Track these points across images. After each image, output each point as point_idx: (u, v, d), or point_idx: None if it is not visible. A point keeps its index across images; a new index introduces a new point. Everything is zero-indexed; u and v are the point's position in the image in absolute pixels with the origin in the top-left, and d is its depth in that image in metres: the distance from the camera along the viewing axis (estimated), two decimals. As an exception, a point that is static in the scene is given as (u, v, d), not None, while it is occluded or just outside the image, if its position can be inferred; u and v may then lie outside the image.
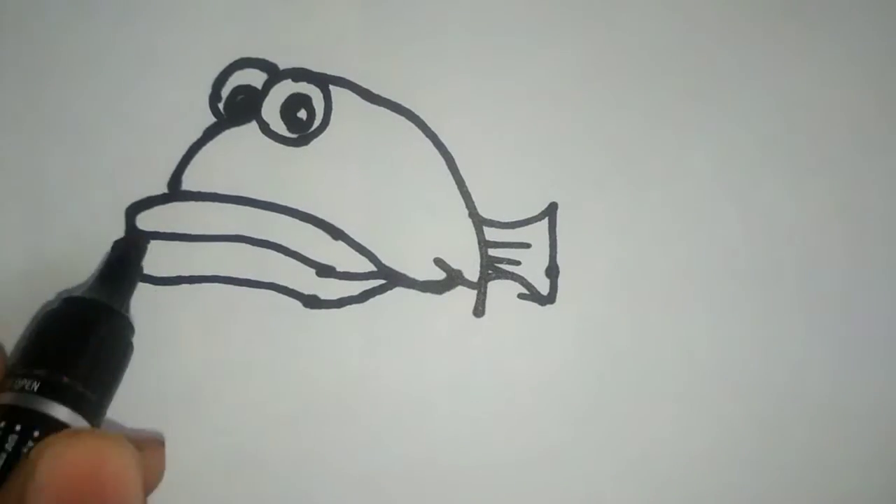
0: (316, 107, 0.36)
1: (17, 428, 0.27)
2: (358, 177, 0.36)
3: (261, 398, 0.36)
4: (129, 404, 0.36)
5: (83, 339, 0.30)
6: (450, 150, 0.36)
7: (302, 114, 0.36)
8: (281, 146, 0.36)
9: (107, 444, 0.26)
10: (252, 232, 0.35)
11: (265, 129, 0.36)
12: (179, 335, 0.35)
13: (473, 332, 0.36)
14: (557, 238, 0.37)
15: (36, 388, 0.28)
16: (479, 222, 0.36)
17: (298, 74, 0.36)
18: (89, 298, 0.32)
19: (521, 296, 0.37)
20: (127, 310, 0.33)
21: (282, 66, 0.36)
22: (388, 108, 0.36)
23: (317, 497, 0.36)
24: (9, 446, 0.27)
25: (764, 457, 0.38)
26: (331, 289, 0.36)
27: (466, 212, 0.36)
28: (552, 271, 0.37)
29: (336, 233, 0.36)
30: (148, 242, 0.35)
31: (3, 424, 0.27)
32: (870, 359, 0.38)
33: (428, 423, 0.36)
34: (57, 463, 0.25)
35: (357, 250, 0.36)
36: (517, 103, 0.36)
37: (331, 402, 0.36)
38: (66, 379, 0.29)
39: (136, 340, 0.35)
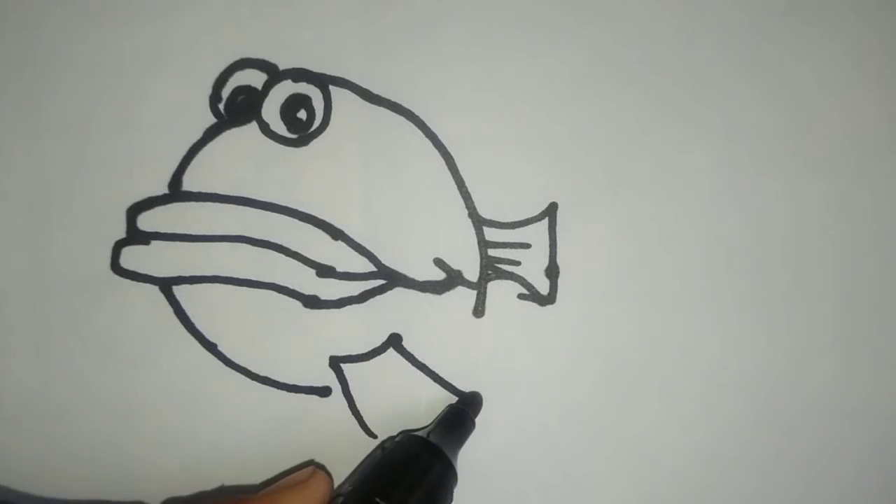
0: (316, 107, 0.36)
1: None
2: (358, 177, 0.36)
3: (261, 398, 0.36)
4: (130, 404, 0.36)
5: (418, 479, 0.31)
6: (450, 150, 0.36)
7: (302, 114, 0.36)
8: (281, 146, 0.36)
9: None
10: (252, 232, 0.36)
11: (265, 129, 0.36)
12: (179, 335, 0.36)
13: (473, 332, 0.36)
14: (557, 238, 0.37)
15: None
16: (479, 222, 0.36)
17: (298, 74, 0.36)
18: (432, 443, 0.33)
19: (521, 296, 0.37)
20: (456, 459, 0.33)
21: (282, 67, 0.36)
22: (388, 108, 0.36)
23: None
24: None
25: (764, 456, 0.38)
26: (331, 289, 0.36)
27: (466, 212, 0.36)
28: (552, 271, 0.37)
29: (336, 233, 0.36)
30: (481, 399, 0.36)
31: None
32: (870, 358, 0.38)
33: (428, 422, 0.37)
34: None
35: (357, 250, 0.36)
36: (517, 104, 0.36)
37: (331, 402, 0.36)
38: None
39: (137, 339, 0.36)
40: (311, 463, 0.36)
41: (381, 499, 0.30)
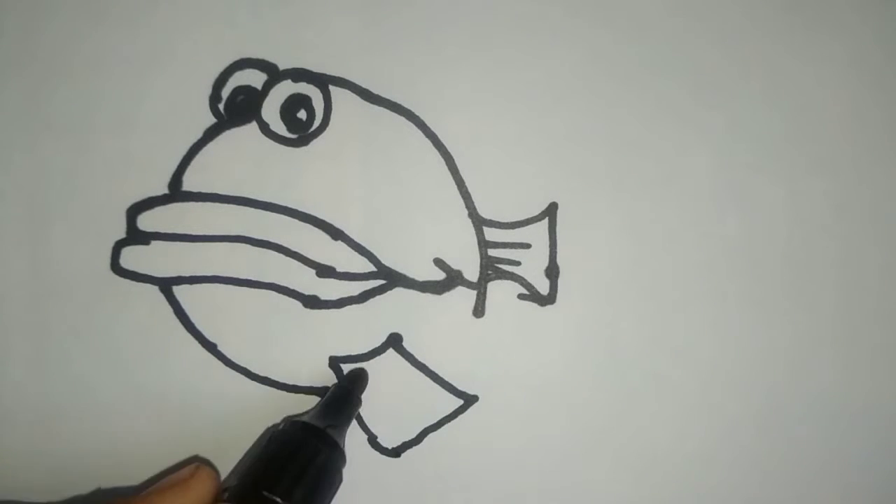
0: (316, 107, 0.36)
1: None
2: (358, 177, 0.36)
3: (261, 398, 0.36)
4: (130, 404, 0.36)
5: (302, 465, 0.31)
6: (450, 150, 0.36)
7: (302, 114, 0.36)
8: (281, 146, 0.36)
9: None
10: (252, 232, 0.36)
11: (265, 129, 0.36)
12: (179, 335, 0.36)
13: (473, 332, 0.36)
14: (557, 238, 0.37)
15: None
16: (479, 222, 0.36)
17: (298, 74, 0.36)
18: (314, 426, 0.32)
19: (521, 296, 0.37)
20: (343, 439, 0.33)
21: (282, 67, 0.36)
22: (388, 108, 0.36)
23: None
24: None
25: (764, 456, 0.38)
26: (331, 289, 0.36)
27: (466, 212, 0.36)
28: (552, 271, 0.37)
29: (336, 233, 0.36)
30: (367, 376, 0.36)
31: None
32: (869, 358, 0.38)
33: (427, 422, 0.37)
34: None
35: (357, 250, 0.36)
36: (517, 103, 0.36)
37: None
38: (279, 501, 0.29)
39: (137, 339, 0.36)
40: (195, 459, 0.35)
41: (268, 491, 0.29)
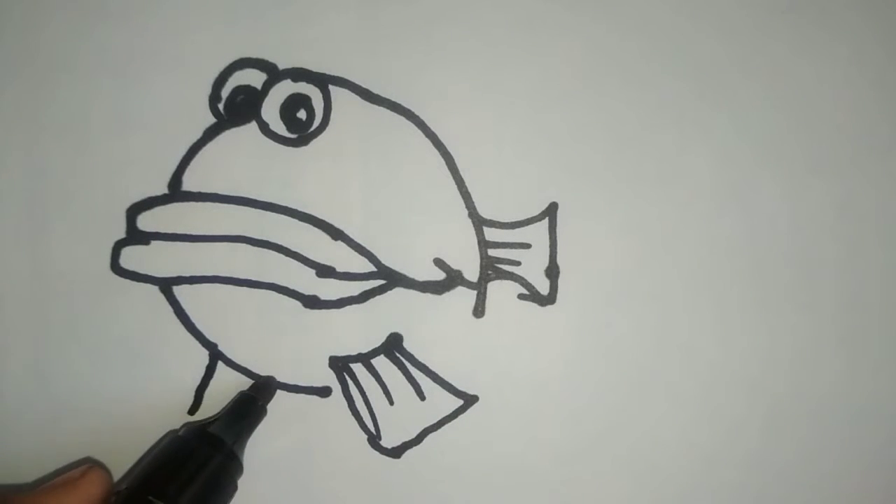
0: (316, 107, 0.36)
1: None
2: (358, 177, 0.36)
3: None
4: (129, 404, 0.36)
5: (193, 472, 0.30)
6: (450, 150, 0.36)
7: (302, 114, 0.36)
8: (281, 146, 0.36)
9: None
10: (252, 232, 0.36)
11: (265, 129, 0.36)
12: (179, 335, 0.36)
13: (473, 332, 0.36)
14: (557, 238, 0.37)
15: None
16: (479, 222, 0.36)
17: (298, 74, 0.36)
18: (210, 433, 0.32)
19: (521, 296, 0.37)
20: (242, 449, 0.33)
21: (281, 66, 0.36)
22: (388, 108, 0.36)
23: (316, 494, 0.36)
24: None
25: (764, 456, 0.38)
26: (331, 289, 0.36)
27: (466, 212, 0.36)
28: (552, 271, 0.37)
29: (336, 233, 0.36)
30: (276, 384, 0.36)
31: None
32: (872, 358, 0.38)
33: (427, 422, 0.37)
34: None
35: (357, 250, 0.36)
36: (517, 103, 0.36)
37: (331, 402, 0.36)
38: None
39: (137, 339, 0.36)
40: (87, 461, 0.35)
41: (156, 497, 0.29)
